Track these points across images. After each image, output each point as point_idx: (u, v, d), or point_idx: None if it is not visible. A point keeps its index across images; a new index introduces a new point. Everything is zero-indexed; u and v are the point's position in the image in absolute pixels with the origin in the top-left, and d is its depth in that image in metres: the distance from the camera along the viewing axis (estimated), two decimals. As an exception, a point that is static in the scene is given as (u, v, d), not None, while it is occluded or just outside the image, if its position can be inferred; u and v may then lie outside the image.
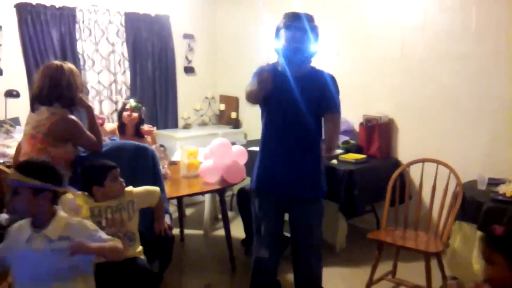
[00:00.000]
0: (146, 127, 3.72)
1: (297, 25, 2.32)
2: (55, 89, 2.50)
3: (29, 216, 1.86)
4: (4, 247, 1.88)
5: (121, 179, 2.37)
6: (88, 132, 2.61)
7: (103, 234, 1.94)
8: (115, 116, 4.89)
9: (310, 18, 2.37)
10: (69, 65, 2.62)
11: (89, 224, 1.96)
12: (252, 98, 2.40)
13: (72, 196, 2.25)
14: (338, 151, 4.02)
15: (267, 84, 2.24)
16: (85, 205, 2.28)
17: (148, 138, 3.68)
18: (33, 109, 2.57)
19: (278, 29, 2.38)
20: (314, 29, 2.36)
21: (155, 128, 3.88)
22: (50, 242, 1.82)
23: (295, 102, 2.34)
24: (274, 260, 2.59)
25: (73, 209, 2.19)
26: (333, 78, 2.46)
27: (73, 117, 2.54)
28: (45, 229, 1.82)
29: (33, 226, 1.84)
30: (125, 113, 3.65)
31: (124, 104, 3.74)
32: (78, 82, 2.60)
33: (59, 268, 1.82)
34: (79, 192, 2.32)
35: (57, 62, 2.62)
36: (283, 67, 2.40)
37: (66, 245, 1.81)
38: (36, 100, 2.55)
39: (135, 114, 3.64)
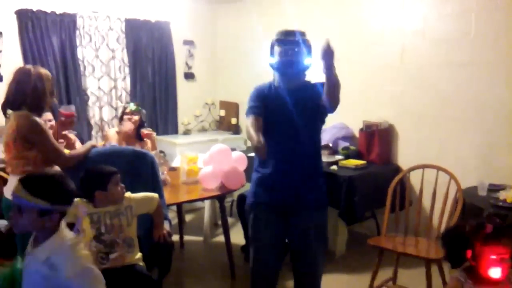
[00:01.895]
0: (145, 130, 3.72)
1: (289, 39, 2.37)
2: (21, 93, 2.44)
3: (32, 231, 1.75)
4: None
5: (122, 184, 2.37)
6: (55, 142, 2.49)
7: (92, 271, 1.70)
8: (115, 122, 4.90)
9: (302, 34, 2.42)
10: (39, 69, 2.52)
11: (84, 259, 1.71)
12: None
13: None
14: (338, 157, 4.02)
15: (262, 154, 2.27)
16: (88, 229, 2.26)
17: (148, 143, 3.67)
18: (5, 115, 2.53)
19: (272, 45, 2.44)
20: (306, 44, 2.39)
21: (155, 133, 3.88)
22: (36, 263, 1.67)
23: (290, 114, 2.37)
24: (274, 269, 2.57)
25: (77, 230, 2.15)
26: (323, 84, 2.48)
27: (37, 119, 2.42)
28: (37, 248, 1.68)
29: (34, 240, 1.74)
30: (125, 117, 3.68)
31: (124, 108, 3.76)
32: (47, 87, 2.50)
33: None
34: (85, 214, 2.27)
35: (27, 67, 2.54)
36: (278, 81, 2.44)
37: (46, 273, 1.63)
38: (5, 106, 2.49)
39: (136, 117, 3.67)
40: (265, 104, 2.41)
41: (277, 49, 2.41)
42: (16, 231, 1.75)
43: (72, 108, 2.65)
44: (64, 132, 2.83)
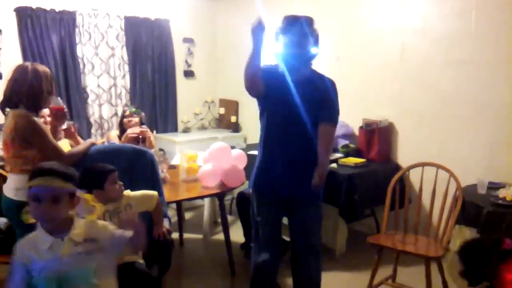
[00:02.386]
0: (139, 128, 3.68)
1: (296, 29, 2.32)
2: (17, 91, 2.41)
3: (57, 223, 1.78)
4: (22, 265, 1.75)
5: (120, 182, 2.36)
6: (54, 141, 2.47)
7: (120, 231, 1.89)
8: (114, 120, 4.90)
9: (309, 22, 2.37)
10: (37, 67, 2.47)
11: (106, 223, 1.93)
12: (248, 73, 2.32)
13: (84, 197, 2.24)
14: (338, 155, 4.02)
15: (260, 28, 2.18)
16: (98, 204, 2.24)
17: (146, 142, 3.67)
18: (4, 113, 2.51)
19: (277, 33, 2.38)
20: (313, 33, 2.36)
21: (154, 132, 3.87)
22: (76, 246, 1.77)
23: (294, 105, 2.34)
24: (274, 264, 2.58)
25: (86, 210, 2.16)
26: (334, 85, 2.46)
27: (35, 119, 2.40)
28: (70, 233, 1.77)
29: (51, 233, 1.76)
30: (125, 120, 3.70)
31: (124, 111, 3.78)
32: (45, 85, 2.45)
33: (84, 271, 1.78)
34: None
35: (25, 64, 2.51)
36: (282, 71, 2.41)
37: (93, 247, 1.79)
38: (3, 104, 2.47)
39: (136, 119, 3.68)
40: (268, 83, 2.35)
41: (282, 38, 2.35)
42: (55, 221, 1.77)
43: (60, 101, 2.64)
44: (64, 127, 2.83)
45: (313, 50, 2.36)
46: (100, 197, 2.30)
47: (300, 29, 2.32)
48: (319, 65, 2.53)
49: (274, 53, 2.40)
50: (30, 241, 1.79)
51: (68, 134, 2.90)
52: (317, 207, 2.54)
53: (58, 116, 2.67)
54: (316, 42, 2.37)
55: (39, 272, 1.73)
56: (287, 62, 2.37)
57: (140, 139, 3.52)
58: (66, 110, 2.69)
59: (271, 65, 2.46)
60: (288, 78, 2.37)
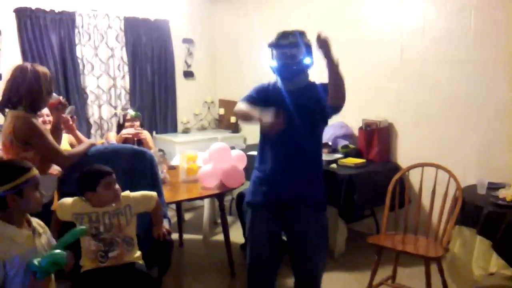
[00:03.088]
0: (134, 129, 3.67)
1: (286, 42, 2.35)
2: (15, 92, 2.39)
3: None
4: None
5: (117, 186, 2.33)
6: (53, 142, 2.45)
7: None
8: (114, 121, 4.90)
9: (301, 34, 2.39)
10: (36, 67, 2.45)
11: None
12: (247, 122, 2.42)
13: None
14: (338, 155, 4.02)
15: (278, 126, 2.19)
16: None
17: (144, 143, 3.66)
18: (3, 114, 2.50)
19: (270, 48, 2.42)
20: (304, 42, 2.37)
21: (154, 133, 3.87)
22: (40, 237, 1.89)
23: (290, 116, 2.34)
24: (271, 268, 2.57)
25: None
26: (326, 86, 2.47)
27: (34, 120, 2.39)
28: (36, 227, 1.89)
29: (19, 227, 1.82)
30: (127, 124, 3.68)
31: (124, 115, 3.76)
32: (44, 85, 2.44)
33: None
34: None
35: (24, 64, 2.49)
36: (279, 83, 2.45)
37: (46, 241, 1.92)
38: (3, 104, 2.46)
39: (137, 123, 3.67)
40: (266, 102, 2.37)
41: (274, 52, 2.41)
42: (38, 208, 1.90)
43: (55, 96, 2.64)
44: (68, 114, 2.83)
45: (306, 60, 2.38)
46: (93, 199, 2.28)
47: (289, 42, 2.35)
48: (318, 66, 2.53)
49: (270, 67, 2.43)
50: (4, 236, 1.78)
51: (67, 127, 2.89)
52: (320, 216, 2.52)
53: (59, 108, 2.66)
54: (309, 53, 2.39)
55: (18, 265, 1.74)
56: (281, 73, 2.41)
57: (135, 141, 3.51)
58: (64, 99, 2.68)
59: (263, 84, 2.51)
60: (283, 90, 2.40)
